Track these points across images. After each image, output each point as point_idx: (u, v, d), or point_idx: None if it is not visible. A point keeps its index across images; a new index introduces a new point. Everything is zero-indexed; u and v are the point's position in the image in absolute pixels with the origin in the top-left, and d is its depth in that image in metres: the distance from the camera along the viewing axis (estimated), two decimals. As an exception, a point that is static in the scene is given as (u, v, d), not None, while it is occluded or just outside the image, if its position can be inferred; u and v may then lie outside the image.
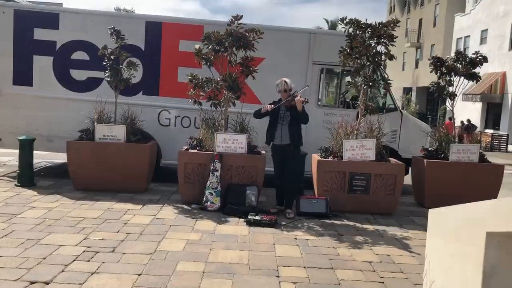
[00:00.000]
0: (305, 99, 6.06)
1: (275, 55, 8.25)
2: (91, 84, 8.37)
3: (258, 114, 6.37)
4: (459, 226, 2.48)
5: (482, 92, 26.71)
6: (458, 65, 7.31)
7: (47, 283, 3.77)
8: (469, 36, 30.78)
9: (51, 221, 5.46)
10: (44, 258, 4.29)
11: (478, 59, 7.17)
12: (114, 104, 7.40)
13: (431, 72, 7.70)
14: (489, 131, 26.17)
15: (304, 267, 4.44)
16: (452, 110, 7.62)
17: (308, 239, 5.34)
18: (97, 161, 7.00)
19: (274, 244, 5.10)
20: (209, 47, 6.66)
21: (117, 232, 5.22)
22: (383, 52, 6.57)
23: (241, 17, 6.81)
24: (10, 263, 4.14)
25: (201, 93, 6.90)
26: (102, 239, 4.94)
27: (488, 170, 7.28)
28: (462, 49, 31.17)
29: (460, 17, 32.49)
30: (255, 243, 5.11)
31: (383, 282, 4.19)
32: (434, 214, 2.91)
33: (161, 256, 4.53)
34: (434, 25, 38.53)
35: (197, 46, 6.84)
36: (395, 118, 8.55)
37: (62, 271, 4.03)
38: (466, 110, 28.66)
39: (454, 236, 2.55)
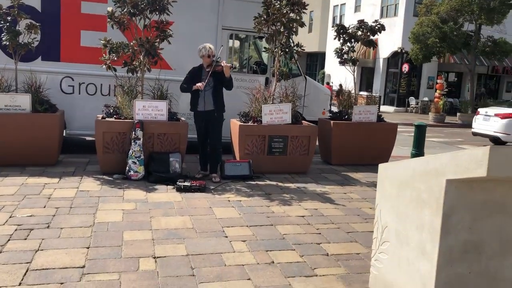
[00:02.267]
0: (233, 65, 6.16)
1: (184, 19, 8.12)
2: (-22, 49, 7.48)
3: (186, 89, 6.32)
4: (415, 176, 2.88)
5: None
6: (359, 32, 7.93)
7: (-11, 266, 3.51)
8: (344, 4, 32.80)
9: (-39, 202, 4.96)
10: (-27, 241, 3.96)
11: (377, 28, 7.85)
12: (8, 71, 6.74)
13: (334, 39, 8.25)
14: (364, 93, 28.63)
15: (247, 226, 4.69)
16: (354, 75, 8.28)
17: (240, 200, 5.59)
18: (1, 135, 6.39)
19: (210, 207, 5.25)
20: (124, 10, 6.35)
21: (44, 207, 4.93)
22: (296, 18, 6.86)
23: (156, -21, 6.58)
24: None
25: (115, 58, 6.61)
26: (31, 215, 4.65)
27: (385, 129, 8.15)
28: (338, 16, 33.26)
29: (336, -15, 34.35)
30: (192, 208, 5.21)
31: (320, 233, 4.62)
32: (384, 168, 3.31)
33: (102, 228, 4.43)
34: (312, -8, 40.29)
35: (109, 9, 6.48)
36: (300, 83, 9.03)
37: (1, 252, 3.76)
38: (342, 74, 30.91)
39: (408, 185, 2.96)
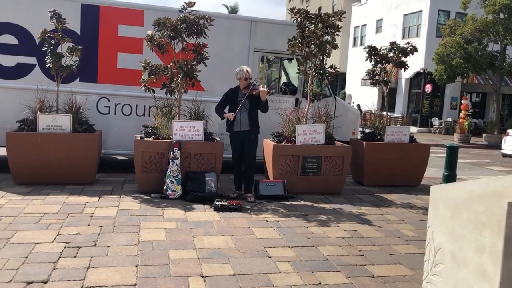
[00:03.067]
0: (271, 90, 6.26)
1: (216, 42, 8.29)
2: (21, 70, 7.77)
3: (219, 114, 6.51)
4: (473, 198, 2.89)
5: (369, 73, 28.98)
6: (391, 53, 7.98)
7: (45, 282, 3.60)
8: (365, 25, 33.01)
9: (9, 219, 5.09)
10: (26, 257, 4.05)
11: (409, 49, 7.90)
12: (48, 92, 6.96)
13: (365, 60, 8.31)
14: (384, 113, 28.55)
15: (289, 247, 4.71)
16: (384, 96, 8.31)
17: (278, 221, 5.61)
18: (41, 153, 6.57)
19: (250, 227, 5.29)
20: (164, 34, 6.54)
21: (88, 225, 5.04)
22: (329, 41, 6.96)
23: (194, 3, 6.77)
24: (-8, 265, 3.86)
25: (154, 80, 6.77)
26: (77, 233, 4.75)
27: (418, 150, 8.12)
28: (359, 37, 33.43)
29: (357, 7, 34.65)
30: (231, 227, 5.25)
31: (363, 255, 4.61)
32: (437, 190, 3.32)
33: (148, 247, 4.49)
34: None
35: (149, 32, 6.67)
36: (330, 104, 9.09)
37: (54, 269, 3.85)
38: (365, 95, 30.92)
39: (465, 207, 2.97)
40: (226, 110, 6.55)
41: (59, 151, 6.63)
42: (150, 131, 6.81)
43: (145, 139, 6.65)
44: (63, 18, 6.85)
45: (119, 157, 10.04)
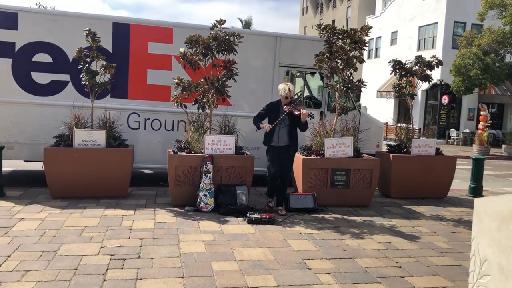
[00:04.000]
0: (311, 113, 6.40)
1: (243, 57, 8.46)
2: (55, 88, 8.02)
3: (255, 124, 6.62)
4: (521, 210, 2.98)
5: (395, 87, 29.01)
6: (416, 67, 8.09)
7: (99, 293, 3.74)
8: (380, 37, 33.14)
9: (53, 232, 5.26)
10: (76, 269, 4.20)
11: (434, 63, 8.00)
12: (80, 108, 7.17)
13: (391, 73, 8.42)
14: (403, 125, 28.55)
15: (327, 259, 4.80)
16: (411, 109, 8.40)
17: (312, 233, 5.70)
18: (77, 168, 6.77)
19: (285, 240, 5.39)
20: (197, 51, 6.73)
21: (129, 238, 5.18)
22: (357, 56, 7.09)
23: (225, 21, 6.97)
24: (46, 276, 4.01)
25: (186, 96, 6.95)
26: (120, 246, 4.89)
27: (444, 162, 8.16)
28: (374, 49, 33.54)
29: (371, 19, 34.80)
30: (267, 240, 5.36)
31: (400, 267, 4.68)
32: (481, 203, 3.41)
33: (190, 258, 4.62)
34: (347, 26, 40.88)
35: (182, 50, 6.87)
36: (354, 117, 9.19)
37: (104, 280, 3.99)
38: (380, 107, 30.95)
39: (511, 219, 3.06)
40: (265, 121, 6.68)
41: (95, 166, 6.82)
42: (182, 145, 6.97)
43: (178, 153, 6.81)
44: (97, 36, 7.08)
45: (146, 171, 10.23)
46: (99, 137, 6.94)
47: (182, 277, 4.14)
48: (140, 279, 4.06)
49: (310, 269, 4.49)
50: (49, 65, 7.97)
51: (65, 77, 8.05)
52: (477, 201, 3.46)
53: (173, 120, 8.55)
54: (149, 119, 8.48)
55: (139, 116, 8.43)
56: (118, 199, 6.94)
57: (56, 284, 3.87)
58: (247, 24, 53.25)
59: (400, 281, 4.28)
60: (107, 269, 4.25)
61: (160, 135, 8.53)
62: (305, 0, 52.83)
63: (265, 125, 6.47)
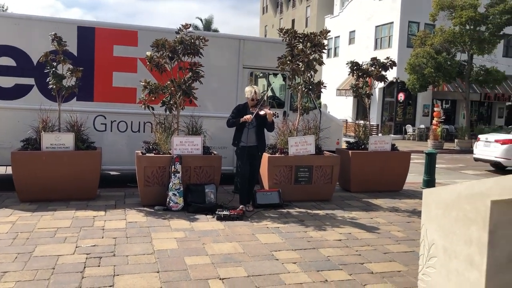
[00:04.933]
0: (276, 113, 6.70)
1: (207, 59, 8.69)
2: (19, 91, 8.02)
3: (234, 123, 6.82)
4: (461, 198, 3.39)
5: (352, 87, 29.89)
6: (372, 68, 8.57)
7: (78, 290, 3.93)
8: (339, 36, 33.98)
9: (25, 235, 5.35)
10: (53, 268, 4.36)
11: (388, 64, 8.51)
12: (44, 111, 7.21)
13: (348, 74, 8.87)
14: (361, 122, 29.45)
15: (293, 250, 5.14)
16: (367, 108, 8.89)
17: (278, 227, 6.04)
18: (46, 171, 6.83)
19: (253, 234, 5.70)
20: (163, 54, 6.93)
21: (102, 237, 5.35)
22: (316, 58, 7.48)
23: (190, 26, 7.22)
24: (24, 276, 4.15)
25: (153, 98, 7.15)
26: (94, 245, 5.06)
27: (399, 157, 8.70)
28: (333, 48, 34.32)
29: (330, 19, 35.66)
30: (236, 234, 5.65)
31: (360, 255, 5.08)
32: (429, 193, 3.82)
33: (163, 255, 4.85)
34: (306, 25, 41.63)
35: (148, 53, 7.05)
36: (315, 116, 9.61)
37: (83, 277, 4.18)
38: (340, 104, 31.78)
39: (454, 207, 3.46)
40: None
41: (63, 169, 6.91)
42: (150, 146, 7.15)
43: (147, 154, 7.00)
44: (63, 40, 7.16)
45: (112, 173, 10.30)
46: (67, 140, 7.02)
47: (158, 272, 4.37)
48: (118, 275, 4.27)
49: (277, 259, 4.81)
50: (12, 69, 7.97)
51: (30, 81, 8.07)
52: (425, 191, 3.88)
53: (139, 122, 8.70)
54: (115, 121, 8.60)
55: (105, 118, 8.53)
56: (87, 201, 7.06)
57: (36, 283, 4.02)
58: (207, 23, 53.22)
59: (359, 267, 4.67)
60: (84, 267, 4.43)
61: (126, 136, 8.66)
62: (265, -1, 53.36)
63: (246, 116, 6.69)
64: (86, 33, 8.28)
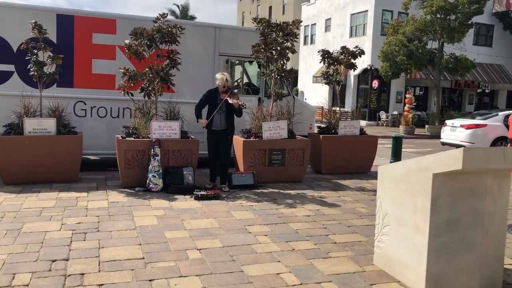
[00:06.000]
0: (243, 104, 7.10)
1: (184, 47, 8.99)
2: (-1, 78, 8.21)
3: (196, 116, 7.24)
4: (409, 173, 3.86)
5: (323, 74, 30.46)
6: (342, 56, 9.02)
7: (66, 260, 4.28)
8: (315, 24, 34.40)
9: (12, 214, 5.66)
10: (42, 243, 4.70)
11: (357, 52, 8.96)
12: (25, 97, 7.42)
13: (320, 62, 9.31)
14: (337, 108, 30.05)
15: (265, 224, 5.59)
16: (339, 94, 9.35)
17: (252, 205, 6.48)
18: (29, 155, 7.09)
19: (229, 211, 6.13)
20: (142, 42, 7.22)
21: (86, 216, 5.70)
22: (289, 47, 7.88)
23: (167, 14, 7.52)
24: (15, 249, 4.49)
25: (132, 84, 7.45)
26: (79, 222, 5.41)
27: (367, 141, 9.21)
28: (309, 36, 34.74)
29: (306, 6, 36.00)
30: (213, 212, 6.07)
31: (326, 228, 5.56)
32: (383, 169, 4.29)
33: (144, 230, 5.23)
34: (283, 12, 41.91)
35: (127, 41, 7.33)
36: (288, 102, 10.03)
37: (70, 250, 4.53)
38: (317, 91, 32.33)
39: (404, 180, 3.93)
40: (205, 111, 7.29)
41: (46, 152, 7.18)
42: (130, 131, 7.47)
43: (127, 138, 7.32)
44: (44, 28, 7.38)
45: (91, 157, 10.55)
46: (49, 125, 7.29)
47: (140, 244, 4.76)
48: (102, 247, 4.64)
49: (250, 233, 5.25)
50: (-8, 56, 8.13)
51: (10, 68, 8.25)
52: (380, 168, 4.36)
53: (119, 108, 8.98)
54: (95, 107, 8.86)
55: (85, 104, 8.78)
56: (70, 183, 7.36)
57: (27, 255, 4.36)
58: (184, 10, 53.01)
59: (324, 238, 5.15)
60: (71, 241, 4.78)
61: (106, 122, 8.93)
62: (242, -14, 53.25)
63: (202, 121, 7.16)
64: (65, 21, 8.48)
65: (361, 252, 4.77)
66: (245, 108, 7.18)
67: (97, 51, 8.73)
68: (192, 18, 50.16)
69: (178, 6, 53.45)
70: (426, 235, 3.69)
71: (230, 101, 7.03)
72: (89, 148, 8.87)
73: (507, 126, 12.76)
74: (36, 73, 7.27)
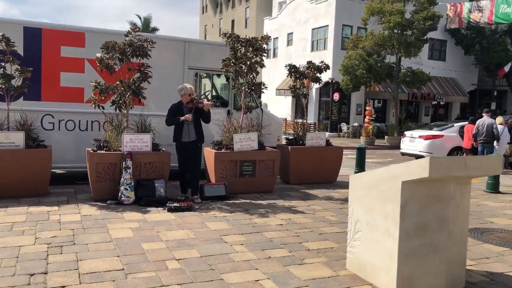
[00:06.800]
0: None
1: (154, 60, 9.05)
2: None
3: (173, 122, 7.30)
4: (379, 181, 4.12)
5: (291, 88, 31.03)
6: (308, 70, 9.35)
7: (45, 273, 4.28)
8: (277, 38, 35.02)
9: (-18, 229, 5.57)
10: (17, 257, 4.66)
11: (323, 67, 9.31)
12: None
13: (287, 76, 9.60)
14: (299, 120, 30.62)
15: (240, 234, 5.73)
16: (306, 107, 9.65)
17: (226, 216, 6.61)
18: (-4, 169, 6.98)
19: (203, 222, 6.23)
20: (113, 56, 7.27)
21: (60, 230, 5.67)
22: (258, 61, 8.12)
23: (139, 29, 7.60)
24: (-9, 264, 4.44)
25: (103, 98, 7.46)
26: (54, 236, 5.38)
27: (333, 151, 9.54)
28: (272, 49, 35.30)
29: (268, 20, 36.63)
30: (187, 223, 6.16)
31: (299, 236, 5.76)
32: (354, 178, 4.54)
33: (121, 242, 5.27)
34: (246, 26, 42.43)
35: (98, 55, 7.36)
36: (258, 114, 10.25)
37: (48, 263, 4.52)
38: (280, 103, 32.82)
39: (374, 188, 4.19)
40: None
41: (14, 166, 7.07)
42: (101, 144, 7.47)
43: (98, 151, 7.31)
44: (12, 41, 7.31)
45: (58, 171, 10.39)
46: (17, 138, 7.19)
47: (118, 256, 4.80)
48: (81, 260, 4.65)
49: (226, 242, 5.38)
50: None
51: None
52: (351, 177, 4.60)
53: (87, 121, 8.93)
54: (63, 120, 8.78)
55: (53, 117, 8.69)
56: (39, 197, 7.25)
57: (3, 270, 4.32)
58: (146, 21, 52.69)
59: (298, 246, 5.34)
60: (47, 255, 4.76)
61: (74, 135, 8.86)
62: (204, -1, 53.58)
63: (186, 115, 7.20)
64: (32, 33, 8.40)
65: (334, 258, 4.99)
66: (217, 105, 7.32)
67: (66, 64, 8.68)
68: (155, 30, 49.89)
69: (140, 17, 53.10)
70: (397, 240, 3.95)
71: (200, 105, 7.18)
72: (56, 161, 8.74)
73: (462, 137, 13.46)
74: (3, 86, 7.18)
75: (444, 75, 31.78)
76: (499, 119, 13.03)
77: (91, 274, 4.29)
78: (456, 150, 14.17)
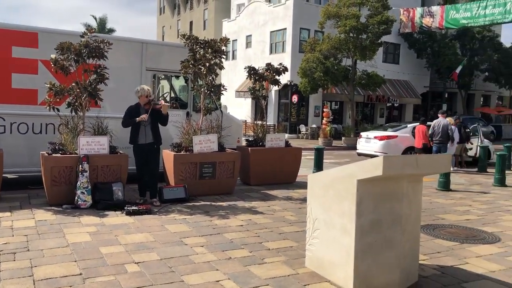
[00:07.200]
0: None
1: (111, 61, 8.88)
2: None
3: (129, 123, 7.19)
4: (335, 180, 4.23)
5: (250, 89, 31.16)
6: (267, 72, 9.45)
7: (-2, 281, 4.14)
8: (236, 40, 35.09)
9: None
10: (-32, 265, 4.49)
11: (281, 69, 9.44)
12: None
13: (246, 78, 9.66)
14: (259, 122, 30.77)
15: (200, 236, 5.73)
16: (266, 108, 9.75)
17: (185, 218, 6.59)
18: None
19: (163, 225, 6.18)
20: (69, 57, 7.10)
21: (13, 236, 5.48)
22: (217, 63, 8.14)
23: (94, 30, 7.46)
24: None
25: (58, 100, 7.27)
26: (6, 243, 5.20)
27: (292, 152, 9.67)
28: (231, 51, 35.34)
29: (227, 22, 36.64)
30: (146, 226, 6.10)
31: (259, 236, 5.82)
32: (312, 177, 4.64)
33: (78, 246, 5.16)
34: (204, 28, 42.26)
35: (53, 56, 7.17)
36: (217, 116, 10.27)
37: (0, 271, 4.38)
38: (239, 105, 32.89)
39: (331, 187, 4.30)
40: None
41: (-38, 171, 6.78)
42: (56, 147, 7.27)
43: (53, 155, 7.11)
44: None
45: (9, 176, 10.02)
46: (-34, 142, 6.89)
47: (75, 261, 4.70)
48: (35, 266, 4.52)
49: (186, 244, 5.37)
50: None
51: None
52: (309, 176, 4.70)
53: (41, 123, 8.65)
54: (15, 123, 8.47)
55: (4, 120, 8.37)
56: (-11, 204, 6.99)
57: (-48, 278, 4.15)
58: (101, 22, 51.54)
59: (258, 246, 5.40)
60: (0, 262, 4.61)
61: (27, 138, 8.57)
62: (162, 0, 52.95)
63: (142, 115, 7.12)
64: (-19, 33, 8.08)
65: (293, 256, 5.07)
66: (175, 106, 7.29)
67: (18, 65, 8.39)
68: (111, 31, 48.90)
69: (95, 18, 51.89)
70: (353, 236, 4.07)
71: (157, 107, 7.13)
72: (8, 166, 8.43)
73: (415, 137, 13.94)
74: (-50, 88, 6.87)
75: (398, 77, 32.82)
76: (450, 120, 13.59)
77: (47, 280, 4.19)
78: (409, 150, 14.66)
